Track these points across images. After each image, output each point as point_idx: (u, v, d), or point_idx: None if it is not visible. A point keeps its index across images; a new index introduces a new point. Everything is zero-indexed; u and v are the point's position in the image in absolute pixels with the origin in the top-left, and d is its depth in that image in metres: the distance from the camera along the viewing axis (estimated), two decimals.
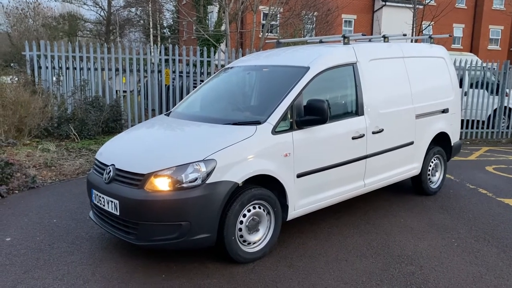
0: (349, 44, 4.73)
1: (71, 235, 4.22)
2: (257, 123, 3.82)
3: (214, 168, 3.42)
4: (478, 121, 10.97)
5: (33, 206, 5.02)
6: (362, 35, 4.86)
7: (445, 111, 5.64)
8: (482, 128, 11.03)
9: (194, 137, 3.97)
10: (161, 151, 3.72)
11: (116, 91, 10.20)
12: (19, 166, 6.20)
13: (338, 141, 4.29)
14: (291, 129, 3.92)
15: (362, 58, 4.65)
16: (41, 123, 8.22)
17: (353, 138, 4.40)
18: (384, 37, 5.30)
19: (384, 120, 4.72)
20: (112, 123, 9.14)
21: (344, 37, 4.76)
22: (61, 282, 3.34)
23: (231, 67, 5.19)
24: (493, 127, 11.10)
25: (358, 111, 4.53)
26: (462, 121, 10.83)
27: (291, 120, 3.93)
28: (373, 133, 4.60)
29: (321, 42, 5.77)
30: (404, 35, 5.61)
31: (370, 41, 5.92)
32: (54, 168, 6.67)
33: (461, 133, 10.81)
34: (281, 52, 5.12)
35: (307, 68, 4.22)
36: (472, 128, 10.96)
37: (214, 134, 3.85)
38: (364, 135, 4.49)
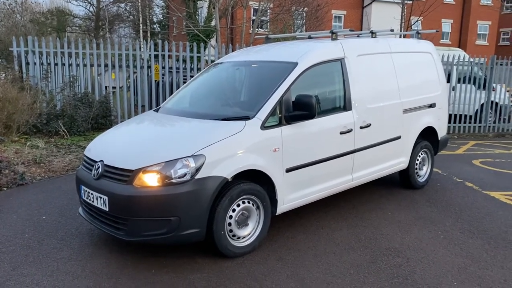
0: (337, 39, 4.77)
1: (61, 232, 4.22)
2: (246, 118, 3.85)
3: (203, 163, 3.44)
4: (465, 115, 11.10)
5: (22, 203, 5.00)
6: (350, 30, 4.89)
7: (432, 105, 5.71)
8: (470, 122, 11.17)
9: (183, 133, 3.98)
10: (150, 147, 3.73)
11: (106, 87, 10.14)
12: (7, 163, 6.17)
13: (326, 136, 4.33)
14: (280, 124, 3.95)
15: (349, 54, 4.69)
16: (30, 120, 8.15)
17: (341, 133, 4.44)
18: (371, 32, 5.34)
19: (371, 115, 4.77)
20: (102, 119, 9.10)
21: (332, 32, 4.79)
22: (50, 278, 3.34)
23: (221, 63, 5.20)
24: (480, 122, 11.24)
25: (346, 106, 4.57)
26: (450, 115, 10.95)
27: (280, 116, 3.96)
28: (361, 127, 4.64)
29: (310, 37, 5.82)
30: (392, 30, 5.66)
31: (358, 36, 5.97)
32: (43, 165, 6.63)
33: (449, 127, 10.95)
34: (270, 47, 5.14)
35: (296, 64, 4.25)
36: (459, 122, 11.08)
37: (203, 129, 3.86)
38: (352, 130, 4.54)
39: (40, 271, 3.45)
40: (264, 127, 3.83)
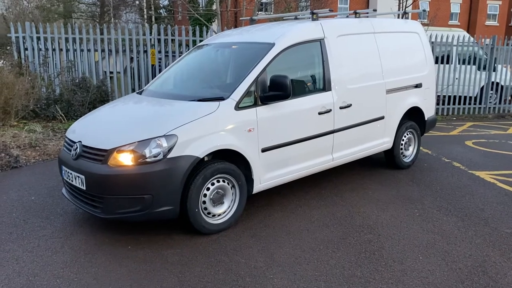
0: (317, 20, 4.78)
1: (46, 211, 4.37)
2: (221, 99, 3.92)
3: (175, 143, 3.53)
4: (466, 97, 10.98)
5: (14, 185, 5.17)
6: (329, 10, 4.90)
7: (418, 86, 5.70)
8: (470, 104, 11.05)
9: (158, 114, 4.08)
10: (125, 127, 3.83)
11: (104, 72, 10.24)
12: (3, 146, 6.34)
13: (303, 116, 4.37)
14: (255, 104, 4.01)
15: (329, 34, 4.70)
16: (29, 104, 8.32)
17: (319, 113, 4.48)
18: (355, 12, 5.32)
19: (352, 95, 4.79)
20: (99, 104, 9.19)
21: (312, 13, 4.80)
22: (30, 254, 3.49)
23: (204, 45, 5.25)
24: (480, 103, 11.14)
25: (325, 86, 4.60)
26: (450, 97, 10.84)
27: (255, 96, 4.02)
28: (341, 108, 4.68)
29: (296, 18, 5.82)
30: (374, 10, 5.63)
31: (347, 17, 5.96)
32: (38, 148, 6.79)
33: (448, 109, 10.87)
34: (252, 29, 5.17)
35: (272, 45, 4.28)
36: (459, 104, 10.98)
37: (178, 110, 3.95)
38: (331, 110, 4.58)
39: (21, 247, 3.60)
40: (238, 107, 3.89)
